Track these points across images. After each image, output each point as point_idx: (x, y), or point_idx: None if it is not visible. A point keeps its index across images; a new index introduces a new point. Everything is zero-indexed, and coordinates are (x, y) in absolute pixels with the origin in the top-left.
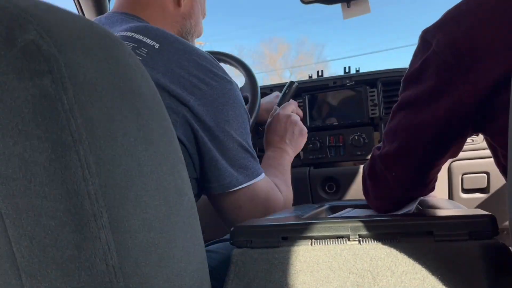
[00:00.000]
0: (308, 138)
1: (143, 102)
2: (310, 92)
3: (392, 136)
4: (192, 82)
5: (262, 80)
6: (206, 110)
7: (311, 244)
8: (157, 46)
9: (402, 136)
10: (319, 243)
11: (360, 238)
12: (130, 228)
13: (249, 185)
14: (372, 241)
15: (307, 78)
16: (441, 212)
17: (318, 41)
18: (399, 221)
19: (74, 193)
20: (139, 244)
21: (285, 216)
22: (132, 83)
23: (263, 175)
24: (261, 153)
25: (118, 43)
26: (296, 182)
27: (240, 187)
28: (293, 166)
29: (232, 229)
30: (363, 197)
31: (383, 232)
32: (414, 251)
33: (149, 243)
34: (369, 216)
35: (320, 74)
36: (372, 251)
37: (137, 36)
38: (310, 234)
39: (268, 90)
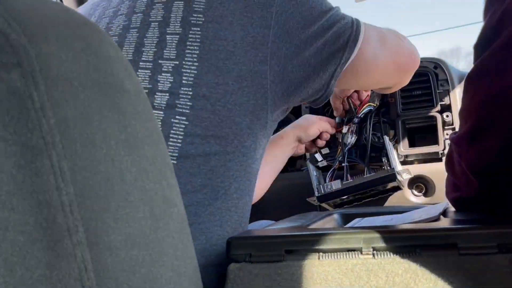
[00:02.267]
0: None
1: (126, 99)
2: None
3: (466, 114)
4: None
5: None
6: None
7: (319, 258)
8: None
9: (476, 112)
10: (328, 257)
11: (375, 252)
12: (110, 245)
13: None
14: (388, 255)
15: None
16: (467, 221)
17: None
18: (419, 232)
19: (45, 204)
20: (120, 263)
21: (288, 226)
22: (114, 78)
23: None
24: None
25: (98, 32)
26: (301, 186)
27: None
28: (298, 168)
29: (227, 240)
30: (377, 203)
31: (400, 244)
32: (436, 265)
33: (132, 262)
34: (384, 226)
35: None
36: (388, 266)
37: None
38: (317, 247)
39: None
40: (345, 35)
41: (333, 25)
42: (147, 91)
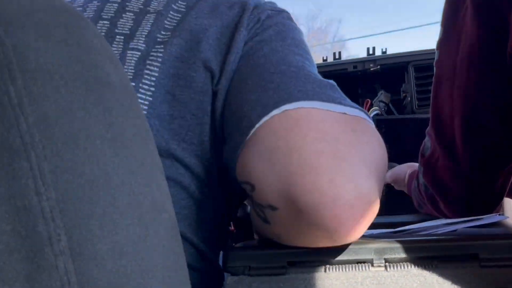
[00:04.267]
0: None
1: (112, 94)
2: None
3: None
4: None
5: None
6: None
7: (325, 271)
8: None
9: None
10: (335, 270)
11: (387, 263)
12: (96, 255)
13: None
14: (402, 267)
15: (320, 61)
16: (489, 230)
17: (334, 15)
18: (436, 241)
19: (24, 210)
20: (107, 275)
21: None
22: (98, 70)
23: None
24: None
25: (81, 20)
26: None
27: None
28: None
29: (223, 252)
30: (392, 211)
31: (415, 255)
32: (455, 279)
33: (120, 273)
34: (398, 236)
35: (337, 56)
36: (402, 280)
37: None
38: (323, 258)
39: None
40: None
41: None
42: None
